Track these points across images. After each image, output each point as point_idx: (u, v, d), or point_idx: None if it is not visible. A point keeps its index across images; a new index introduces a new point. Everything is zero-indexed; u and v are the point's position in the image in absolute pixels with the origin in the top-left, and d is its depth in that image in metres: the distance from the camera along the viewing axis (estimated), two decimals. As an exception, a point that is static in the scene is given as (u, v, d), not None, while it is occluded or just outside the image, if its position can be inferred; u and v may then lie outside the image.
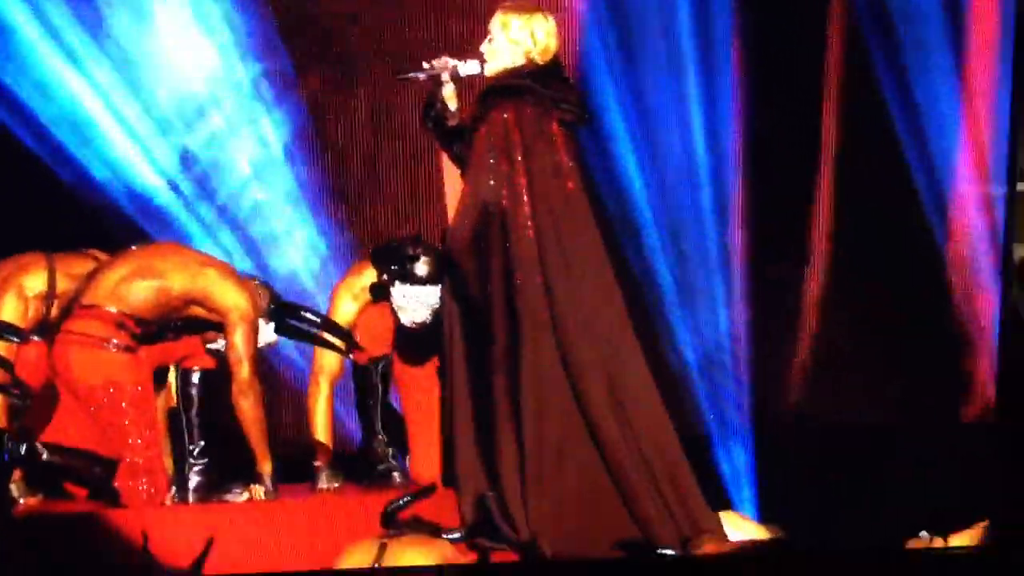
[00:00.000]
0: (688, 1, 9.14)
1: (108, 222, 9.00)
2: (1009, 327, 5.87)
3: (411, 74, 7.51)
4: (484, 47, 7.38)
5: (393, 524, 6.70)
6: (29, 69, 9.06)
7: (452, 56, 7.44)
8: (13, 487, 7.21)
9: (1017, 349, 5.96)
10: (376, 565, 6.46)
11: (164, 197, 9.23)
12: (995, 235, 9.15)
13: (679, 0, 9.15)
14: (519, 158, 7.27)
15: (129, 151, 9.16)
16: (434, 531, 6.75)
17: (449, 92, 7.42)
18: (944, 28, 9.10)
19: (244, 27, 9.21)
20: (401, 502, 6.79)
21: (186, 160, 9.25)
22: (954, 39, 9.11)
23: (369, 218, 9.33)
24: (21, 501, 7.23)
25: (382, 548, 6.52)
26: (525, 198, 7.25)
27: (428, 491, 7.02)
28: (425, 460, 7.72)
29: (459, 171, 7.50)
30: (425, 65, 7.45)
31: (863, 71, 9.14)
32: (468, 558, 6.75)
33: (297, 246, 9.35)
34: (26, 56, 9.07)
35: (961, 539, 7.31)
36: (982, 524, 7.34)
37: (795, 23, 9.20)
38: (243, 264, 8.91)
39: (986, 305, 9.13)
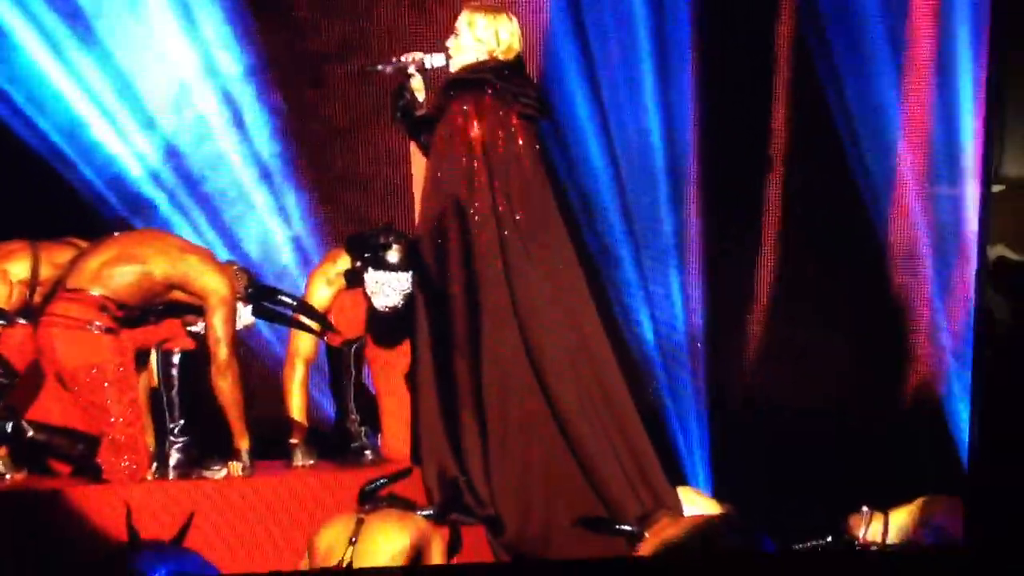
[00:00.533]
0: (647, 7, 9.19)
1: (92, 211, 9.02)
2: (983, 327, 5.76)
3: (379, 66, 7.61)
4: (450, 42, 7.46)
5: (370, 502, 6.76)
6: (14, 61, 9.07)
7: (419, 50, 7.53)
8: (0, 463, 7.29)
9: (992, 350, 5.84)
10: (353, 539, 6.53)
11: (147, 186, 9.23)
12: (936, 229, 9.18)
13: (639, 6, 9.20)
14: (479, 149, 7.36)
15: (113, 141, 9.16)
16: (409, 507, 6.81)
17: (417, 84, 7.51)
18: (883, 32, 9.11)
19: (224, 18, 9.22)
20: (377, 483, 6.85)
21: (168, 150, 9.24)
22: (892, 43, 9.11)
23: (344, 207, 9.33)
24: (7, 477, 7.27)
25: (359, 523, 6.61)
26: (485, 187, 7.34)
27: (404, 474, 7.09)
28: (396, 438, 7.81)
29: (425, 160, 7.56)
30: (394, 58, 7.54)
31: (808, 73, 9.15)
32: (441, 532, 6.82)
33: (275, 233, 9.36)
34: (10, 48, 9.07)
35: (899, 514, 7.43)
36: (919, 500, 7.43)
37: (747, 28, 9.20)
38: (221, 250, 8.94)
39: (926, 296, 9.20)
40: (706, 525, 7.01)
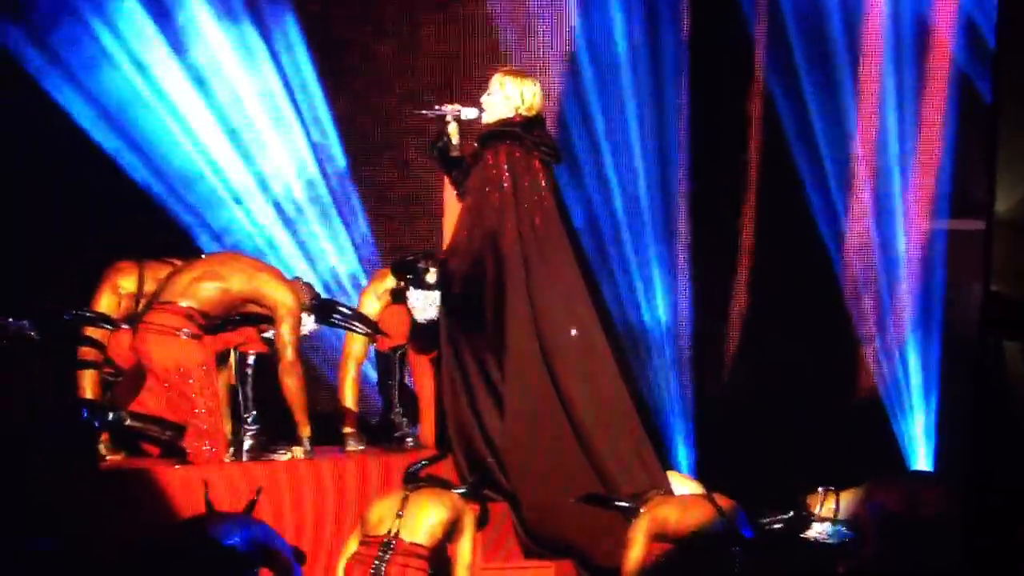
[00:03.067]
0: (644, 66, 9.57)
1: (187, 235, 9.37)
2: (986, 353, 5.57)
3: (424, 111, 8.07)
4: (484, 99, 7.95)
5: (413, 481, 7.10)
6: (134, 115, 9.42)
7: (457, 102, 8.01)
8: (102, 446, 7.57)
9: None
10: (400, 513, 6.85)
11: (235, 215, 9.57)
12: (882, 252, 9.46)
13: (635, 68, 9.59)
14: (508, 188, 7.81)
15: (210, 178, 9.47)
16: (446, 485, 7.15)
17: (453, 129, 7.97)
18: (840, 76, 9.43)
19: (305, 66, 9.56)
20: (419, 466, 7.19)
21: (255, 187, 9.56)
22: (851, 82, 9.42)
23: (390, 235, 9.70)
24: (108, 458, 7.59)
25: (405, 499, 6.94)
26: (513, 221, 7.77)
27: (440, 457, 7.44)
28: (432, 429, 8.13)
29: (455, 193, 8.00)
30: (436, 107, 8.01)
31: (776, 124, 9.47)
32: (472, 507, 7.15)
33: (336, 256, 9.66)
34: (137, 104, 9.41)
35: (848, 494, 7.70)
36: (865, 484, 7.69)
37: (726, 98, 9.55)
38: (294, 268, 9.30)
39: (873, 311, 9.46)
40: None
